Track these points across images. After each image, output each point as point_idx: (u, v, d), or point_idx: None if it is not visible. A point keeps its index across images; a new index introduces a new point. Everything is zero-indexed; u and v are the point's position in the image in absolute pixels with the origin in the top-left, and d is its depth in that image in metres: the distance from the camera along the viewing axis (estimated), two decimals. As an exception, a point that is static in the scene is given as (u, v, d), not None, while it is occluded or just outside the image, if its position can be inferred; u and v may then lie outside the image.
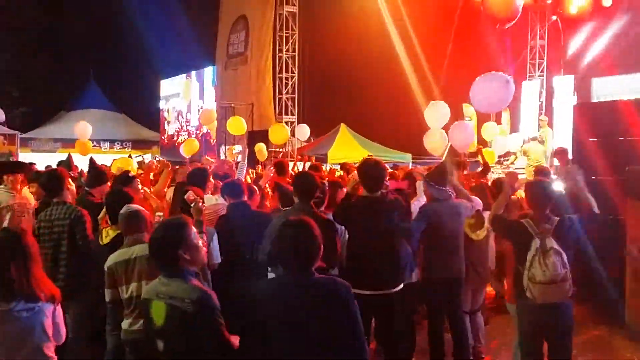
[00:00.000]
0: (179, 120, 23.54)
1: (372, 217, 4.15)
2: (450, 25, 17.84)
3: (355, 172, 4.70)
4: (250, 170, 8.87)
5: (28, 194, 5.76)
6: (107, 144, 24.53)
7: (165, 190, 6.31)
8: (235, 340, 2.70)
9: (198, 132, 21.17)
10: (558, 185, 4.55)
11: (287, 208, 4.35)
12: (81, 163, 9.32)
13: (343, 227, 4.31)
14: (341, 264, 4.20)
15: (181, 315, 2.61)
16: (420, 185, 5.18)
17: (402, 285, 4.23)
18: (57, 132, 23.32)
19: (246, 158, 15.18)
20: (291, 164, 8.45)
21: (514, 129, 17.56)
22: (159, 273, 2.78)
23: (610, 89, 15.71)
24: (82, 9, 25.50)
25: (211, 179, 5.51)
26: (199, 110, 20.28)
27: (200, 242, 2.83)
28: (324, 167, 11.67)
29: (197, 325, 2.61)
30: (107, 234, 3.95)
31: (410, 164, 14.12)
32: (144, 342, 2.92)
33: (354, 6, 17.79)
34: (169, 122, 24.49)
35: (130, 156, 7.98)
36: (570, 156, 7.70)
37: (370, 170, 4.24)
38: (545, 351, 3.94)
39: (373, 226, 4.14)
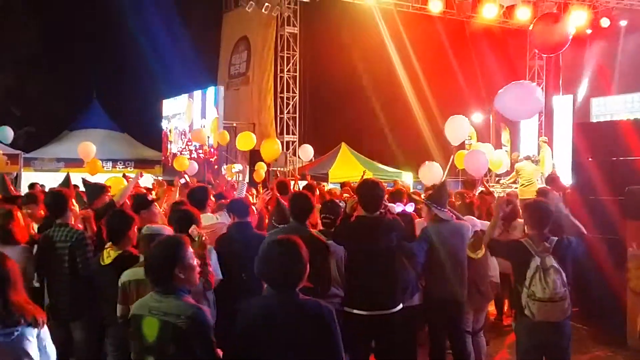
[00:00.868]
0: (181, 139, 23.63)
1: (370, 237, 4.16)
2: (450, 45, 18.05)
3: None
4: (252, 190, 8.90)
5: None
6: (110, 164, 24.58)
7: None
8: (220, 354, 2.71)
9: (200, 151, 21.24)
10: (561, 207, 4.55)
11: (283, 225, 4.37)
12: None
13: (342, 247, 4.32)
14: (343, 285, 4.19)
15: (174, 331, 2.62)
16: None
17: (400, 306, 4.21)
18: (60, 152, 23.37)
19: (247, 177, 15.22)
20: (292, 183, 8.50)
21: (514, 148, 17.67)
22: None
23: (609, 108, 15.81)
24: (84, 29, 25.79)
25: (211, 198, 5.54)
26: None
27: (195, 262, 2.84)
28: (326, 187, 11.70)
29: (189, 342, 2.62)
30: (109, 255, 3.93)
31: (412, 183, 14.14)
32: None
33: (354, 27, 18.01)
34: (171, 142, 24.60)
35: (124, 175, 7.97)
36: (570, 175, 7.70)
37: (368, 191, 4.27)
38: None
39: (371, 246, 4.15)
